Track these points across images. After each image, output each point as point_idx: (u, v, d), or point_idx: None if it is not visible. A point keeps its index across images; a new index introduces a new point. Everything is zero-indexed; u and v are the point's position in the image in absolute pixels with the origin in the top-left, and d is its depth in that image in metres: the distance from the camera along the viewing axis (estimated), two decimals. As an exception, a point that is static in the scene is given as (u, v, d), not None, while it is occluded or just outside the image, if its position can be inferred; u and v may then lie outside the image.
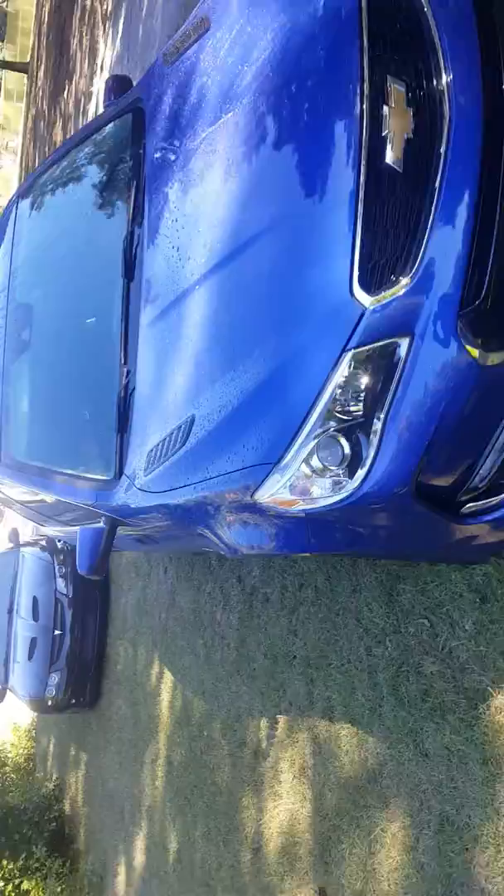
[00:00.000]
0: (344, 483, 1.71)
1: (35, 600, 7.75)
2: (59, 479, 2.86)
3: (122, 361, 2.49)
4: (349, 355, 1.61)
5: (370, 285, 1.58)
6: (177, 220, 2.19)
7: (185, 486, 2.12)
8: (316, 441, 1.71)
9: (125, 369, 2.48)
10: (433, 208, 1.53)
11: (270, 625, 3.72)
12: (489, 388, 1.59)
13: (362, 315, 1.59)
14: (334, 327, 1.63)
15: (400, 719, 2.62)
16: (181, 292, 2.12)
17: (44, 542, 8.77)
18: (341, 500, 1.73)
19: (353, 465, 1.70)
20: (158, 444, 2.23)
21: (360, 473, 1.67)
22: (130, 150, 2.58)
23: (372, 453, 1.65)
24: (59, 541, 4.47)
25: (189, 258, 2.09)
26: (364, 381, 1.63)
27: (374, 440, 1.64)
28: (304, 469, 1.75)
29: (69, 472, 2.82)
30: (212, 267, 1.99)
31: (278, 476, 1.79)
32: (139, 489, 2.40)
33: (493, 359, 1.55)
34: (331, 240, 1.64)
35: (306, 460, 1.74)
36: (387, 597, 2.75)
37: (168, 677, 5.40)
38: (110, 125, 2.78)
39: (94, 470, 2.70)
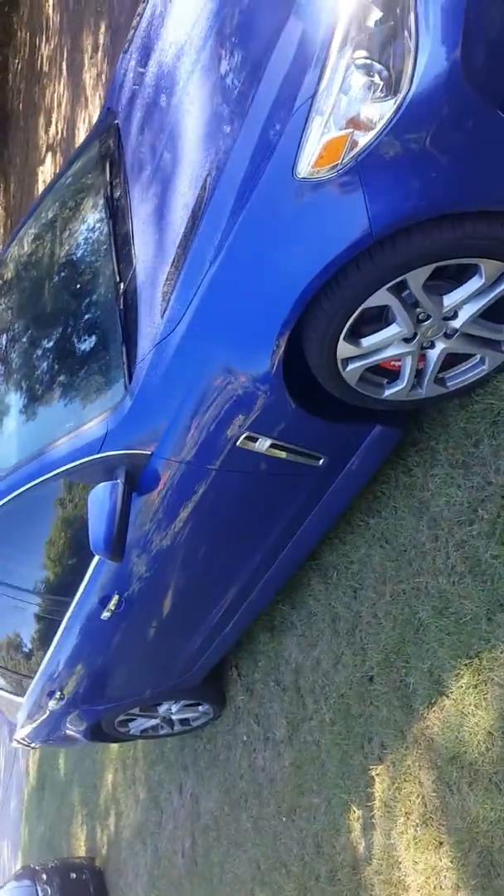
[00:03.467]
0: (389, 98, 1.59)
1: (15, 945, 5.99)
2: (59, 445, 2.49)
3: (118, 279, 2.40)
4: None
5: None
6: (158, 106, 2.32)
7: (212, 258, 1.90)
8: (351, 53, 1.62)
9: (121, 283, 2.37)
10: None
11: (329, 683, 2.98)
12: None
13: None
14: None
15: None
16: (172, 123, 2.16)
17: (19, 871, 7.09)
18: (396, 112, 1.57)
19: (393, 81, 1.60)
20: (171, 267, 2.05)
21: (408, 63, 1.55)
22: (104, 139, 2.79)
23: (412, 29, 1.54)
24: (53, 696, 3.59)
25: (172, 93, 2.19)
26: None
27: (410, 21, 1.55)
28: (345, 99, 1.63)
29: (69, 432, 2.47)
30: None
31: (319, 118, 1.66)
32: (158, 344, 2.12)
33: None
34: None
35: (344, 84, 1.62)
36: (461, 469, 2.32)
37: (208, 922, 4.04)
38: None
39: (98, 407, 2.39)
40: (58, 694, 3.62)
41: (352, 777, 2.78)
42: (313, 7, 1.73)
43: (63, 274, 2.72)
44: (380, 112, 1.62)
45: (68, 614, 3.12)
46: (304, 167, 1.71)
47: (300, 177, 1.72)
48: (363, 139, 1.64)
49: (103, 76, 6.58)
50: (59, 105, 8.53)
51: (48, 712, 3.82)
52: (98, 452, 2.39)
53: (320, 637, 3.08)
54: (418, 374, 2.14)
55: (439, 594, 2.38)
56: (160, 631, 3.26)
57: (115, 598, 2.95)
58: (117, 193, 2.53)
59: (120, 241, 2.42)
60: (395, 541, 2.63)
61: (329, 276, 1.78)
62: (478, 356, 2.12)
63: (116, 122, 2.64)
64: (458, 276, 1.90)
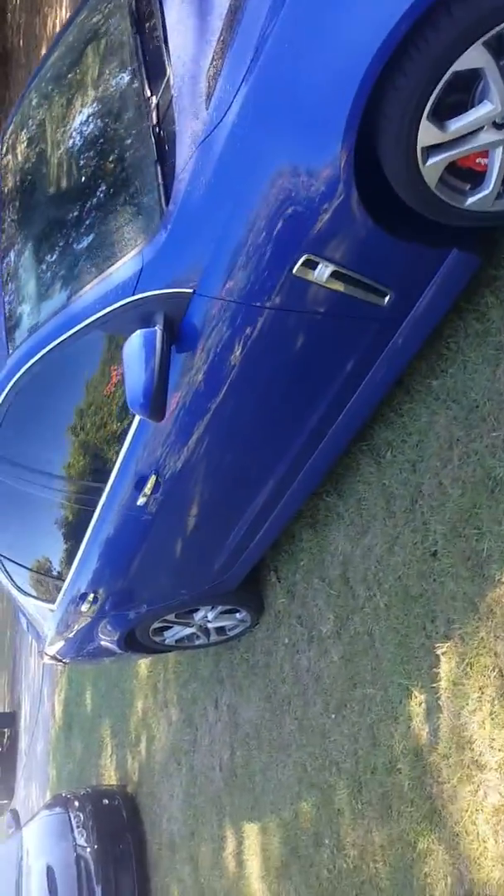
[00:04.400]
0: None
1: (49, 871, 5.92)
2: (86, 293, 2.22)
3: (148, 94, 2.10)
4: None
5: None
6: None
7: (269, 14, 1.60)
8: None
9: (152, 97, 2.08)
10: None
11: (383, 568, 2.76)
12: None
13: None
14: None
15: None
16: None
17: (50, 801, 7.06)
18: None
19: None
20: (217, 45, 1.75)
21: None
22: None
23: None
24: (85, 598, 3.38)
25: None
26: None
27: None
28: None
29: (97, 275, 2.20)
30: None
31: None
32: (202, 142, 1.82)
33: None
34: None
35: None
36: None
37: (251, 833, 3.91)
38: None
39: (131, 239, 2.12)
40: (90, 596, 3.41)
41: (413, 661, 2.57)
42: None
43: (86, 105, 2.44)
44: None
45: (101, 503, 2.89)
46: None
47: None
48: None
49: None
50: (62, 30, 8.09)
51: (80, 619, 3.63)
52: (132, 294, 2.13)
53: (372, 522, 2.85)
54: (507, 179, 1.85)
55: (520, 445, 2.13)
56: (198, 522, 3.02)
57: (152, 479, 2.71)
58: (144, 6, 2.23)
59: (150, 52, 2.13)
60: (464, 399, 2.37)
61: (413, 21, 1.48)
62: None
63: None
64: None
